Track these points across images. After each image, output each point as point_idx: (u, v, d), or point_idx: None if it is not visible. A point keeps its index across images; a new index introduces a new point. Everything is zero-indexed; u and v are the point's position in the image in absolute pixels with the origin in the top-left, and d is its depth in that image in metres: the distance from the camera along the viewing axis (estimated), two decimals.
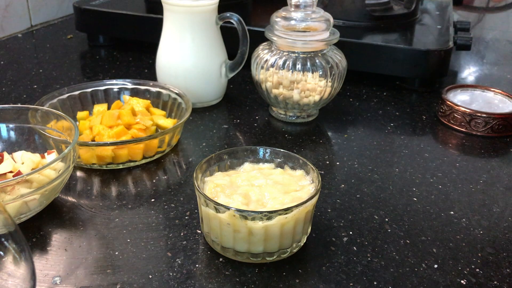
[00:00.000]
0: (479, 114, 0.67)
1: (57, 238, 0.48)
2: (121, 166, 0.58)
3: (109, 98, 0.69)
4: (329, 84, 0.67)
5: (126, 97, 0.68)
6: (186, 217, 0.51)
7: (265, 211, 0.42)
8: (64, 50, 0.97)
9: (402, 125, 0.71)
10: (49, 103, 0.64)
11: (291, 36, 0.65)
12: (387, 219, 0.51)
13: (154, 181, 0.57)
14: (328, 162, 0.61)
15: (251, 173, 0.49)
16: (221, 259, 0.46)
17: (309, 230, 0.48)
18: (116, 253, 0.46)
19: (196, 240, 0.48)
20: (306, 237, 0.47)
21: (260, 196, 0.45)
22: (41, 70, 0.87)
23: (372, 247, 0.47)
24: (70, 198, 0.54)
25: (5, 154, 0.54)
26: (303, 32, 0.65)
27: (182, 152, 0.63)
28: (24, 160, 0.53)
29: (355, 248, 0.47)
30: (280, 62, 0.66)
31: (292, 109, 0.69)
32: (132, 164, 0.59)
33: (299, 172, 0.49)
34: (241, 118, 0.71)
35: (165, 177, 0.58)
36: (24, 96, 0.77)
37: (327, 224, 0.50)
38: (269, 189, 0.46)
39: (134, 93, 0.69)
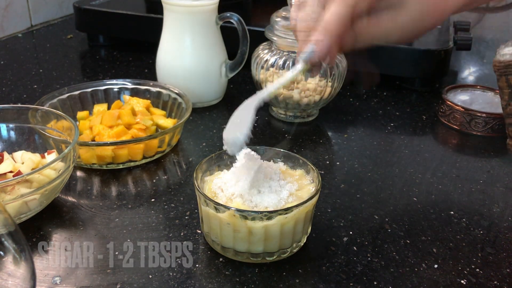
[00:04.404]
0: (479, 114, 0.67)
1: (57, 238, 0.48)
2: (121, 166, 0.58)
3: (109, 98, 0.69)
4: (329, 84, 0.67)
5: (126, 97, 0.68)
6: (186, 217, 0.51)
7: (265, 211, 0.42)
8: (64, 50, 0.97)
9: (402, 125, 0.71)
10: (49, 103, 0.63)
11: (291, 36, 0.65)
12: (387, 219, 0.51)
13: (154, 181, 0.57)
14: (328, 162, 0.61)
15: None
16: (221, 259, 0.46)
17: (309, 230, 0.48)
18: (116, 253, 0.46)
19: (196, 240, 0.48)
20: (306, 237, 0.47)
21: None
22: (41, 70, 0.87)
23: (372, 247, 0.47)
24: (70, 198, 0.54)
25: (5, 154, 0.54)
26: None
27: (182, 152, 0.63)
28: (24, 160, 0.53)
29: (355, 248, 0.47)
30: (280, 62, 0.66)
31: (292, 109, 0.69)
32: (132, 164, 0.59)
33: (299, 172, 0.49)
34: None
35: (165, 177, 0.58)
36: (24, 96, 0.77)
37: (327, 224, 0.50)
38: None
39: (134, 93, 0.69)
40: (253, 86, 0.72)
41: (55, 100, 0.64)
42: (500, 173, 0.60)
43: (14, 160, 0.54)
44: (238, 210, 0.42)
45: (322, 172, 0.59)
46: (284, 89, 0.67)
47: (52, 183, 0.48)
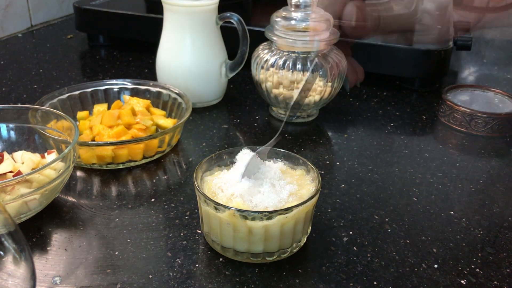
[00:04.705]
0: (479, 114, 0.67)
1: (57, 238, 0.48)
2: (121, 166, 0.58)
3: (109, 98, 0.69)
4: (329, 84, 0.67)
5: (126, 97, 0.68)
6: (186, 217, 0.51)
7: (265, 211, 0.42)
8: (64, 50, 0.97)
9: (402, 125, 0.71)
10: (49, 103, 0.64)
11: (291, 36, 0.65)
12: (387, 219, 0.51)
13: (154, 181, 0.57)
14: (328, 162, 0.61)
15: None
16: (221, 259, 0.46)
17: (309, 230, 0.48)
18: (116, 253, 0.46)
19: (196, 240, 0.48)
20: (306, 237, 0.47)
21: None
22: (41, 70, 0.87)
23: (372, 247, 0.47)
24: (70, 198, 0.54)
25: (5, 154, 0.54)
26: (303, 32, 0.65)
27: (182, 152, 0.63)
28: (24, 160, 0.53)
29: (355, 248, 0.47)
30: (280, 62, 0.66)
31: (292, 109, 0.69)
32: (132, 164, 0.59)
33: (299, 171, 0.49)
34: (241, 118, 0.71)
35: (165, 177, 0.58)
36: (24, 96, 0.77)
37: (327, 224, 0.50)
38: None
39: (134, 93, 0.69)
40: (253, 86, 0.72)
41: (55, 100, 0.65)
42: (500, 173, 0.60)
43: (14, 160, 0.54)
44: (238, 210, 0.42)
45: (322, 172, 0.59)
46: (284, 89, 0.67)
47: (52, 183, 0.48)
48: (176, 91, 0.67)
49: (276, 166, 0.49)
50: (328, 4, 0.46)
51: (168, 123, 0.63)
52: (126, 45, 0.97)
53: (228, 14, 0.70)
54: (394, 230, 0.50)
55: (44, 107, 0.60)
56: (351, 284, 0.43)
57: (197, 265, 0.45)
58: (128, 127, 0.61)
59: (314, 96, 0.67)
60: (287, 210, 0.42)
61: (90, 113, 0.66)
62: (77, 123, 0.64)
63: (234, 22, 0.70)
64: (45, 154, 0.55)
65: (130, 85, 0.70)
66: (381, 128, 0.70)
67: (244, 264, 0.45)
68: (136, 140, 0.57)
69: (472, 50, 0.92)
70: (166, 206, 0.53)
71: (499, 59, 1.00)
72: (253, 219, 0.42)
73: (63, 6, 1.16)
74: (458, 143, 0.67)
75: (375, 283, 0.43)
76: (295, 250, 0.46)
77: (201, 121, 0.70)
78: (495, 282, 0.44)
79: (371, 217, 0.52)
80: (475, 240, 0.49)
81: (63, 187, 0.53)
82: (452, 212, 0.53)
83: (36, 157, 0.54)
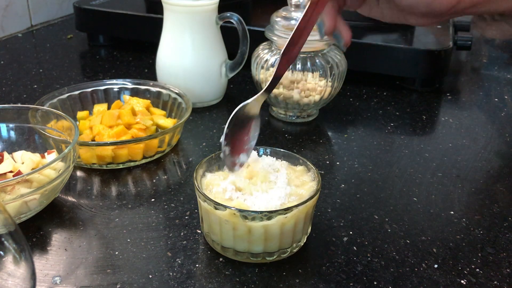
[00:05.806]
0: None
1: (57, 238, 0.48)
2: (121, 166, 0.58)
3: (109, 98, 0.69)
4: (329, 84, 0.67)
5: (126, 97, 0.68)
6: (186, 217, 0.51)
7: (265, 211, 0.42)
8: (64, 50, 0.97)
9: (402, 125, 0.71)
10: (49, 103, 0.64)
11: None
12: (387, 219, 0.51)
13: (154, 181, 0.57)
14: (328, 162, 0.61)
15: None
16: (221, 259, 0.46)
17: (309, 230, 0.48)
18: (116, 253, 0.46)
19: (196, 240, 0.48)
20: (306, 237, 0.47)
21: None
22: (41, 70, 0.87)
23: (372, 247, 0.47)
24: (70, 198, 0.54)
25: (5, 154, 0.54)
26: None
27: (182, 152, 0.63)
28: (24, 160, 0.53)
29: (355, 248, 0.47)
30: None
31: (292, 109, 0.69)
32: (132, 164, 0.59)
33: (300, 170, 0.49)
34: None
35: (165, 177, 0.58)
36: (24, 96, 0.77)
37: (327, 224, 0.50)
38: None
39: (134, 93, 0.69)
40: (253, 86, 0.72)
41: (55, 100, 0.65)
42: (500, 173, 0.60)
43: (14, 160, 0.54)
44: (238, 210, 0.42)
45: (322, 172, 0.59)
46: (284, 89, 0.67)
47: (52, 183, 0.48)
48: (176, 91, 0.67)
49: (276, 166, 0.49)
50: None
51: (168, 123, 0.63)
52: (126, 45, 0.97)
53: (228, 14, 0.70)
54: (394, 230, 0.50)
55: (44, 107, 0.60)
56: (351, 284, 0.43)
57: (197, 265, 0.45)
58: (128, 127, 0.61)
59: (314, 96, 0.67)
60: (287, 210, 0.42)
61: (90, 113, 0.66)
62: (77, 123, 0.64)
63: (234, 22, 0.70)
64: (45, 154, 0.55)
65: (130, 85, 0.70)
66: (381, 128, 0.70)
67: (244, 264, 0.45)
68: (136, 140, 0.57)
69: (472, 50, 0.92)
70: (166, 206, 0.53)
71: (499, 59, 1.00)
72: (253, 219, 0.42)
73: (63, 6, 1.16)
74: (458, 143, 0.67)
75: (375, 283, 0.43)
76: (295, 250, 0.46)
77: (201, 121, 0.70)
78: (495, 282, 0.44)
79: (371, 217, 0.52)
80: (475, 240, 0.49)
81: (63, 187, 0.53)
82: (452, 212, 0.53)
83: (36, 157, 0.54)
